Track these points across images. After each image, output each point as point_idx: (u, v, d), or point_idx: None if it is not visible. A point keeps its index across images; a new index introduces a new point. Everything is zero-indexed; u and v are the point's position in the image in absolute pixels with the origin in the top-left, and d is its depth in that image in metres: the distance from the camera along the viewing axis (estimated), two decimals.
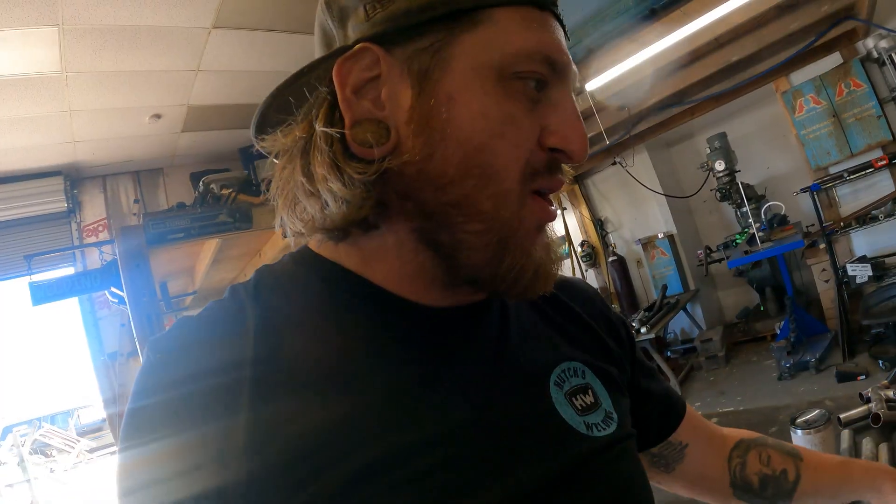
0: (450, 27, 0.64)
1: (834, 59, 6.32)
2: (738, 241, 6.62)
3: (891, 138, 6.10)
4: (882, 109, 6.05)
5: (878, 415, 1.81)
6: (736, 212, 7.03)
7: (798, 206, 6.84)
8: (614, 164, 8.22)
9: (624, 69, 4.65)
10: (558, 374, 0.78)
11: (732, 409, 4.96)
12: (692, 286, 8.36)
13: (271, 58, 5.52)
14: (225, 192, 5.40)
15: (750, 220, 6.35)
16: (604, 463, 0.74)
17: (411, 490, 0.59)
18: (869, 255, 6.12)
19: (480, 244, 0.65)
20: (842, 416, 1.90)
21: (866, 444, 1.73)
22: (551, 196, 0.72)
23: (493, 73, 0.64)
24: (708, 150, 6.91)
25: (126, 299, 4.45)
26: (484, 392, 0.70)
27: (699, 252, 7.13)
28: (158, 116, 5.84)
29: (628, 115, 6.05)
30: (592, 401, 0.79)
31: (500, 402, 0.70)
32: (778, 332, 6.38)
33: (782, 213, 6.52)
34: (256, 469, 0.56)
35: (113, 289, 5.38)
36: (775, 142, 7.74)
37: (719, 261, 6.92)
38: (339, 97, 0.66)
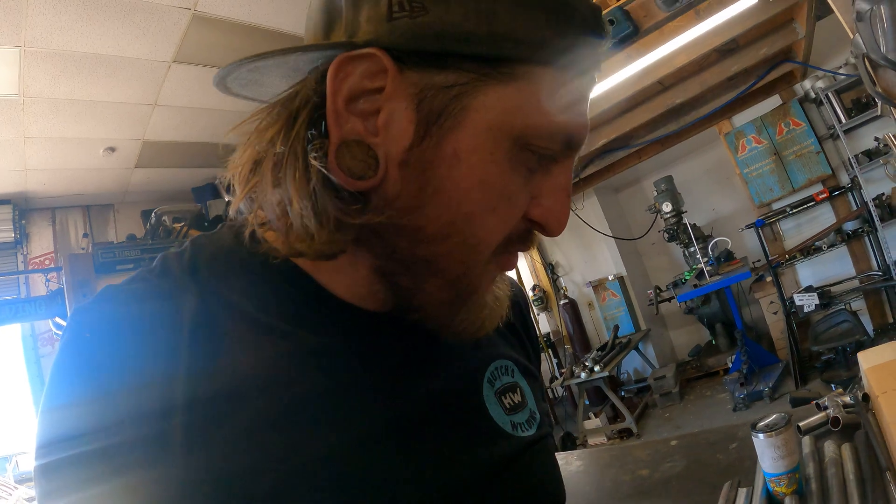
0: (481, 72, 0.56)
1: (774, 101, 6.68)
2: (686, 277, 6.75)
3: (830, 173, 6.45)
4: (821, 146, 6.43)
5: (838, 418, 1.85)
6: (684, 251, 7.23)
7: (744, 243, 7.09)
8: None
9: None
10: (492, 370, 0.77)
11: (690, 430, 4.97)
12: (643, 326, 8.50)
13: (227, 97, 5.33)
14: (177, 225, 5.31)
15: (698, 257, 6.49)
16: (524, 463, 0.74)
17: (327, 496, 0.57)
18: (815, 285, 6.35)
19: (439, 298, 0.63)
20: (801, 424, 1.93)
21: (828, 447, 1.75)
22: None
23: (509, 141, 0.58)
24: (655, 193, 7.11)
25: None
26: (416, 392, 0.67)
27: (649, 292, 7.27)
28: (113, 149, 5.64)
29: (577, 159, 6.15)
30: (520, 400, 0.78)
31: (432, 400, 0.68)
32: (730, 365, 6.50)
33: (728, 247, 6.68)
34: (190, 475, 0.53)
35: (58, 319, 5.17)
36: (720, 183, 8.09)
37: (669, 300, 7.06)
38: (328, 104, 0.56)
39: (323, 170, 0.55)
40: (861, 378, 2.08)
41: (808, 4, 4.43)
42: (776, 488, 1.62)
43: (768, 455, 1.62)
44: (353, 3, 0.57)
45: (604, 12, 3.49)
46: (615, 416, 6.89)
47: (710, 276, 6.06)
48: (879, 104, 2.64)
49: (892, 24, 2.34)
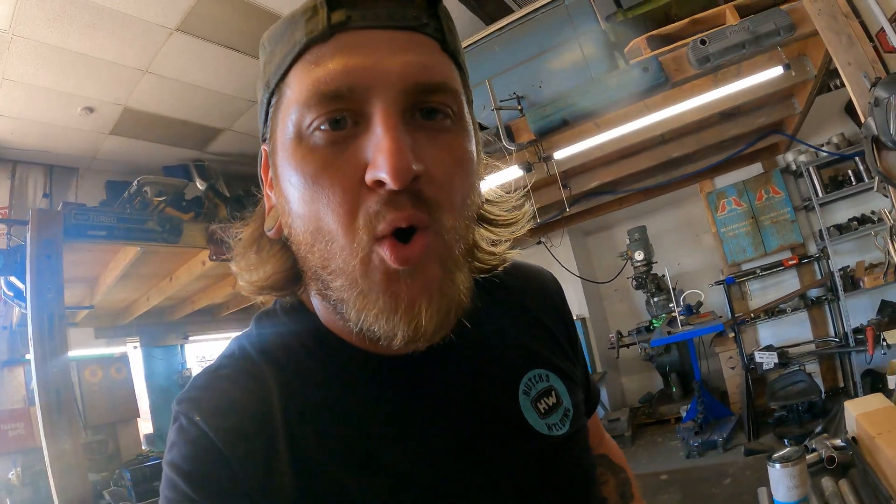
0: (271, 113, 0.72)
1: (756, 168, 7.00)
2: (655, 324, 6.90)
3: (801, 241, 6.75)
4: (795, 215, 6.71)
5: (833, 457, 1.99)
6: (648, 300, 7.37)
7: (707, 299, 7.25)
8: (539, 243, 8.44)
9: (584, 147, 4.84)
10: (526, 382, 0.85)
11: (682, 466, 5.07)
12: (600, 369, 8.59)
13: (223, 77, 5.36)
14: (157, 199, 5.12)
15: (671, 306, 6.66)
16: (560, 458, 0.83)
17: None
18: (774, 345, 6.57)
19: (349, 297, 0.65)
20: None
21: (825, 483, 1.88)
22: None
23: (295, 139, 0.66)
24: (628, 241, 7.26)
25: (27, 293, 4.01)
26: (457, 422, 0.76)
27: (611, 336, 7.36)
28: (91, 110, 5.36)
29: (569, 195, 6.31)
30: (555, 401, 0.86)
31: (472, 424, 0.77)
32: (683, 415, 6.64)
33: (701, 300, 6.87)
34: None
35: (12, 279, 4.47)
36: (689, 240, 8.33)
37: (629, 345, 7.17)
38: (264, 193, 0.79)
39: (259, 234, 0.80)
40: (844, 424, 2.22)
41: (813, 83, 4.63)
42: None
43: (784, 484, 1.72)
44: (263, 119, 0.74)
45: (638, 59, 3.63)
46: None
47: (683, 325, 6.21)
48: (876, 182, 2.80)
49: None
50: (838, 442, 2.10)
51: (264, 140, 0.74)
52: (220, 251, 5.09)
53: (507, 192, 0.90)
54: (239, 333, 0.81)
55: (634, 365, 8.62)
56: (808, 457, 2.01)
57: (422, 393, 0.76)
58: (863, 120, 2.84)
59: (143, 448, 6.68)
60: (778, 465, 1.74)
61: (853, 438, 2.08)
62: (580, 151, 4.95)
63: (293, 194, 0.66)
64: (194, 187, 6.28)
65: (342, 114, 0.63)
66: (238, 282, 0.80)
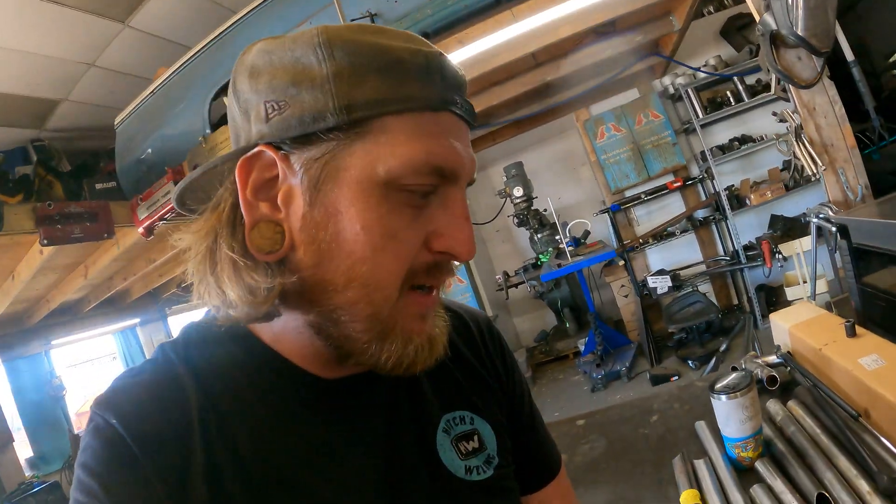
0: (341, 138, 0.66)
1: (632, 94, 7.03)
2: (542, 259, 6.79)
3: (684, 163, 6.84)
4: (676, 138, 6.78)
5: (775, 376, 1.79)
6: (532, 236, 7.26)
7: (594, 230, 7.19)
8: None
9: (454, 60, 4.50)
10: (445, 422, 0.86)
11: (597, 408, 4.95)
12: (490, 312, 8.45)
13: (52, 38, 4.52)
14: None
15: (557, 237, 6.53)
16: (479, 503, 0.83)
17: None
18: (666, 269, 6.61)
19: (364, 339, 0.69)
20: None
21: (772, 406, 1.67)
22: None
23: (379, 187, 0.66)
24: (504, 178, 7.09)
25: None
26: (378, 453, 0.77)
27: (498, 277, 7.22)
28: None
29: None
30: (477, 446, 0.87)
31: (392, 457, 0.78)
32: (581, 349, 6.58)
33: (588, 229, 6.79)
34: None
35: None
36: (567, 174, 8.30)
37: (517, 285, 7.05)
38: (240, 197, 0.68)
39: (233, 254, 0.68)
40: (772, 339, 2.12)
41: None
42: (741, 454, 1.50)
43: (735, 418, 1.49)
44: (245, 115, 0.70)
45: None
46: None
47: (572, 257, 6.07)
48: (773, 83, 2.74)
49: (805, 6, 2.42)
50: (772, 359, 1.93)
51: (279, 148, 0.68)
52: (53, 233, 4.58)
53: None
54: (165, 341, 0.80)
55: (525, 304, 8.62)
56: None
57: (348, 418, 0.78)
58: (757, 18, 2.78)
59: (27, 475, 6.47)
60: (724, 398, 1.48)
61: (789, 353, 1.93)
62: None
63: (351, 235, 0.66)
64: (27, 168, 5.58)
65: (434, 188, 0.69)
66: (216, 311, 0.72)
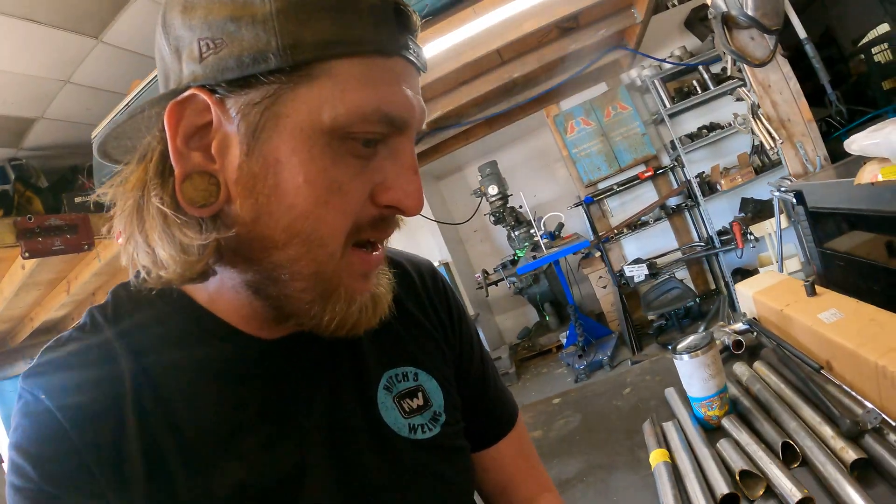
0: (284, 81, 0.60)
1: (601, 88, 7.10)
2: (519, 254, 6.83)
3: (654, 153, 6.91)
4: (645, 129, 6.86)
5: (741, 341, 1.84)
6: (509, 233, 7.31)
7: (569, 224, 7.24)
8: None
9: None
10: (387, 379, 0.83)
11: (577, 386, 4.97)
12: (472, 311, 8.48)
13: (26, 56, 4.51)
14: None
15: (532, 232, 6.56)
16: (424, 463, 0.81)
17: None
18: (642, 258, 6.65)
19: (305, 299, 0.66)
20: None
21: (739, 369, 1.72)
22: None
23: (324, 136, 0.61)
24: (480, 178, 7.13)
25: None
26: (319, 415, 0.75)
27: (477, 276, 7.24)
28: None
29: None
30: (422, 403, 0.84)
31: (334, 419, 0.76)
32: (563, 342, 6.62)
33: (562, 221, 6.83)
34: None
35: None
36: (542, 170, 8.35)
37: (497, 282, 7.07)
38: (170, 146, 0.62)
39: (163, 207, 0.62)
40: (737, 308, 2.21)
41: None
42: (708, 413, 1.53)
43: (698, 377, 1.52)
44: (176, 55, 0.62)
45: None
46: None
47: (548, 249, 6.11)
48: (729, 64, 2.80)
49: None
50: (739, 326, 1.98)
51: (213, 91, 0.61)
52: (35, 245, 4.54)
53: None
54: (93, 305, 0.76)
55: (506, 302, 8.65)
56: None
57: (289, 380, 0.75)
58: (709, 1, 2.81)
59: None
60: (686, 357, 1.52)
61: (754, 318, 2.00)
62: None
63: (292, 187, 0.62)
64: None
65: (382, 137, 0.65)
66: (146, 272, 0.67)
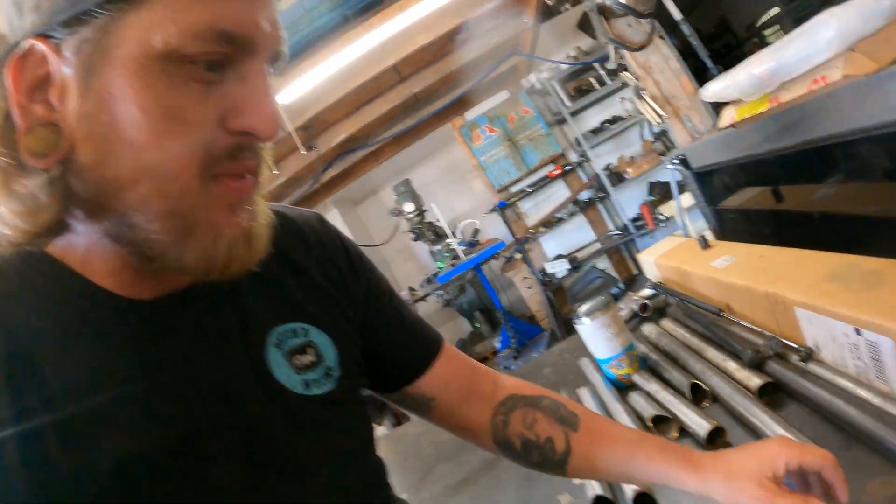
0: (113, 11, 0.56)
1: (503, 96, 7.22)
2: (440, 266, 6.83)
3: (560, 151, 7.03)
4: (549, 129, 6.99)
5: (646, 304, 1.92)
6: (430, 249, 7.28)
7: (487, 231, 7.32)
8: None
9: (313, 83, 4.55)
10: (277, 336, 0.79)
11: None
12: None
13: None
14: None
15: (448, 241, 6.60)
16: (321, 418, 0.80)
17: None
18: (563, 254, 6.76)
19: (165, 240, 0.62)
20: None
21: (647, 329, 1.78)
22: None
23: (158, 62, 0.58)
24: (395, 197, 7.12)
25: None
26: (207, 377, 0.71)
27: (403, 293, 7.21)
28: None
29: (317, 157, 6.05)
30: (314, 359, 0.82)
31: (223, 379, 0.72)
32: (499, 347, 6.62)
33: (477, 226, 6.89)
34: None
35: None
36: (456, 184, 8.40)
37: (425, 297, 7.04)
38: (12, 101, 0.59)
39: (7, 160, 0.59)
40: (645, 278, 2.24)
41: None
42: (619, 371, 1.57)
43: (601, 337, 1.57)
44: (18, 9, 0.58)
45: None
46: (398, 422, 6.74)
47: (467, 255, 6.15)
48: (611, 52, 2.87)
49: None
50: (645, 292, 2.04)
51: (50, 37, 0.58)
52: None
53: None
54: None
55: (438, 316, 8.62)
56: (621, 314, 1.90)
57: (170, 342, 0.70)
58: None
59: None
60: (587, 320, 1.57)
61: (659, 283, 2.07)
62: (317, 99, 4.79)
63: (128, 120, 0.58)
64: None
65: (224, 58, 0.60)
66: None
